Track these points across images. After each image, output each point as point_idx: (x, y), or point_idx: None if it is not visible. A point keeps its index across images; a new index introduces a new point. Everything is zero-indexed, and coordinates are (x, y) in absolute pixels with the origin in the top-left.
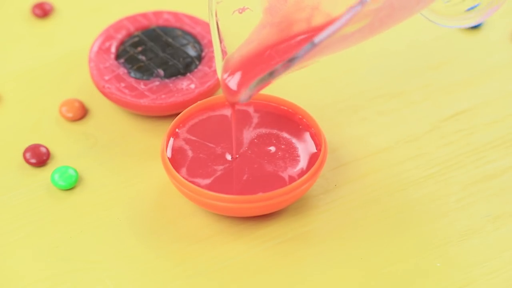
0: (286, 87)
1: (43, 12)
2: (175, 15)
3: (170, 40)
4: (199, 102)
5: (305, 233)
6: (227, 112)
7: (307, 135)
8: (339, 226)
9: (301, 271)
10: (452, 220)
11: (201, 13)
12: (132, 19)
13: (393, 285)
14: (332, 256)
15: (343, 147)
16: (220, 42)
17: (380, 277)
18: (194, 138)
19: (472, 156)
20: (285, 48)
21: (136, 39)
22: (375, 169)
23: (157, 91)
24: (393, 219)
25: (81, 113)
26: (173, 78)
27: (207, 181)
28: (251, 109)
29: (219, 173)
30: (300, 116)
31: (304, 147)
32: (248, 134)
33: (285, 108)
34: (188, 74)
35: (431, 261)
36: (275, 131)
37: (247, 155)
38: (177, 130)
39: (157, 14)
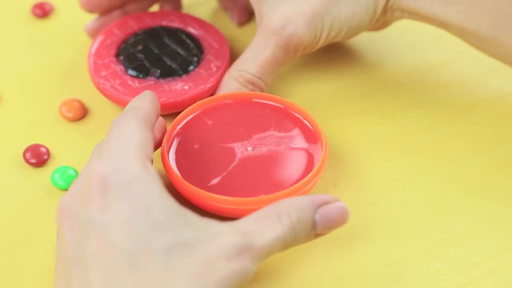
0: (286, 87)
1: (43, 12)
2: (180, 16)
3: (171, 40)
4: (199, 101)
5: None
6: (227, 111)
7: (307, 135)
8: None
9: (301, 271)
10: (452, 220)
11: (206, 16)
12: (136, 17)
13: (393, 285)
14: (332, 256)
15: (343, 146)
16: None
17: (380, 277)
18: (194, 137)
19: (472, 156)
20: None
21: (139, 37)
22: (375, 169)
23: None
24: (393, 219)
25: (81, 113)
26: (169, 78)
27: (207, 181)
28: (250, 109)
29: (219, 173)
30: (300, 116)
31: (305, 148)
32: (248, 134)
33: (286, 107)
34: (184, 76)
35: (431, 261)
36: (275, 131)
37: (248, 156)
38: (177, 129)
39: (163, 14)
